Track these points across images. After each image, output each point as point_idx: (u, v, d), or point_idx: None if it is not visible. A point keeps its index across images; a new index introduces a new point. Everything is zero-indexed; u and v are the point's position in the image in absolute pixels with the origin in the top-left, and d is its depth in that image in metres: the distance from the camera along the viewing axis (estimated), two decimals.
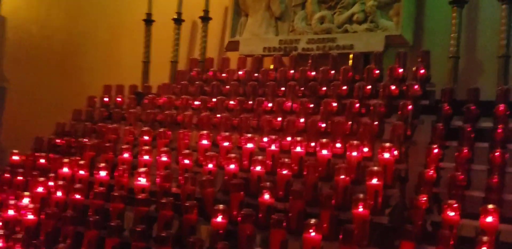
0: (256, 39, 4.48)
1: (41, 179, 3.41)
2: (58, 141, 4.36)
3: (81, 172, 3.45)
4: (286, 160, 2.94)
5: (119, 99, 4.72)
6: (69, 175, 3.51)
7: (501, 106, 3.16)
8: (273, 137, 3.18)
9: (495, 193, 2.68)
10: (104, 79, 5.55)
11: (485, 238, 2.35)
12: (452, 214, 2.55)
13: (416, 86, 3.33)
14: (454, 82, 3.63)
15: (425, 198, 2.68)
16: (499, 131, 3.04)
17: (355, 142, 2.93)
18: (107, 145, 3.67)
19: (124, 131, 3.93)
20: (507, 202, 2.70)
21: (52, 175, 3.62)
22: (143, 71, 5.15)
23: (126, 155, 3.51)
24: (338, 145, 3.12)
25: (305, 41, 4.23)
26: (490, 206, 2.50)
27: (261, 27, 4.50)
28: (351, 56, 3.89)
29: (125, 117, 4.36)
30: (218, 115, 3.74)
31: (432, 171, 2.90)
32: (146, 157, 3.43)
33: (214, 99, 3.99)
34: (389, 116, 3.31)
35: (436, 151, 3.01)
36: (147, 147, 3.47)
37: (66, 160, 3.56)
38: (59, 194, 3.28)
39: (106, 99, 4.77)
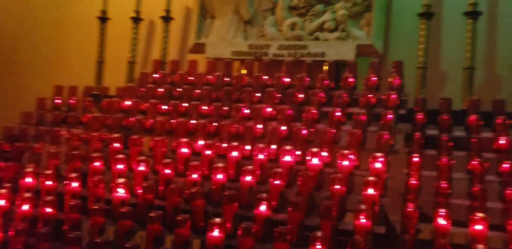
0: (224, 42, 4.39)
1: (3, 190, 3.09)
2: (6, 146, 4.01)
3: (48, 182, 3.17)
4: (279, 169, 2.89)
5: (73, 101, 4.42)
6: (33, 186, 3.22)
7: (473, 117, 3.34)
8: (261, 145, 3.12)
9: (480, 201, 2.81)
10: (48, 79, 5.22)
11: (480, 246, 2.45)
12: (444, 222, 2.64)
13: (394, 96, 3.42)
14: (470, 95, 3.72)
15: (411, 208, 2.76)
16: (474, 140, 3.20)
17: (345, 151, 2.95)
18: (74, 152, 3.41)
19: (89, 137, 3.67)
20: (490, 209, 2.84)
21: (7, 185, 3.31)
22: (96, 71, 4.88)
23: (97, 164, 3.28)
24: (325, 154, 3.12)
25: (276, 47, 4.21)
26: (480, 215, 2.61)
27: (229, 30, 4.41)
28: (325, 65, 3.89)
29: (83, 121, 4.11)
30: (193, 122, 3.62)
31: (415, 180, 3.00)
32: (120, 166, 3.23)
33: (184, 104, 3.86)
34: (368, 125, 3.38)
35: (417, 159, 3.11)
36: (121, 156, 3.26)
37: (29, 169, 3.25)
38: (25, 207, 2.99)
39: (58, 101, 4.45)
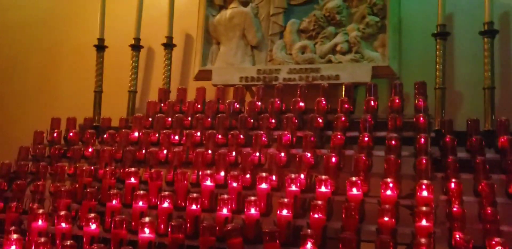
0: (231, 68, 4.23)
1: (14, 236, 2.79)
2: (5, 184, 3.72)
3: (63, 225, 2.89)
4: (319, 202, 2.70)
5: (72, 134, 4.16)
6: (45, 229, 2.93)
7: (503, 138, 3.24)
8: (293, 175, 2.93)
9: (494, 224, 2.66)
10: (42, 111, 4.96)
11: None
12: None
13: (422, 118, 3.31)
14: (492, 115, 3.62)
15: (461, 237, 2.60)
16: (509, 162, 3.09)
17: (388, 180, 2.79)
18: (88, 190, 3.14)
19: (102, 172, 3.42)
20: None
21: (12, 228, 3.01)
22: (95, 102, 4.62)
23: (115, 202, 3.03)
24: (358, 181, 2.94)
25: (286, 71, 4.07)
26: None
27: (236, 56, 4.26)
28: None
29: (86, 156, 3.87)
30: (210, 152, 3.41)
31: (457, 207, 2.84)
32: (141, 204, 2.98)
33: (198, 134, 3.66)
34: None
35: (455, 185, 2.97)
36: (141, 192, 3.02)
37: (40, 211, 2.96)
38: None
39: (56, 134, 4.19)
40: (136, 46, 4.63)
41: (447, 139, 3.29)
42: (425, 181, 2.74)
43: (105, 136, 4.04)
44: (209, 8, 4.43)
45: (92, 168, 3.54)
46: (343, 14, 4.04)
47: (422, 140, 3.14)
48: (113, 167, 3.43)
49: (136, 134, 3.83)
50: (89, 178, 3.39)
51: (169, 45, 4.57)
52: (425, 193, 2.70)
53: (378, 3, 3.96)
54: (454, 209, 2.82)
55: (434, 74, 3.81)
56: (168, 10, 4.61)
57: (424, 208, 2.54)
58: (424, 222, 2.50)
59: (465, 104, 3.97)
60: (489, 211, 2.75)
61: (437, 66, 3.81)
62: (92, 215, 2.87)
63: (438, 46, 3.83)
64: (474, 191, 3.00)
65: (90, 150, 3.93)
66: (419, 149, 3.10)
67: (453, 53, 4.02)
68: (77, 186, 3.37)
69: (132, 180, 3.20)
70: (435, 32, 3.85)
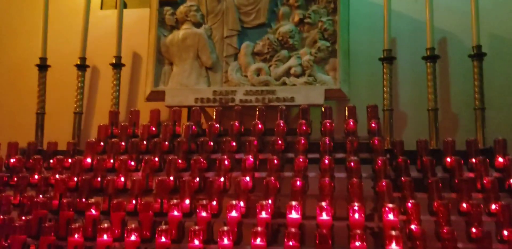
0: (186, 89, 4.20)
1: None
2: None
3: None
4: (292, 229, 2.74)
5: (14, 160, 3.92)
6: None
7: (451, 158, 3.48)
8: (264, 202, 2.96)
9: (481, 243, 2.87)
10: None
11: None
12: None
13: (378, 140, 3.47)
14: (436, 135, 3.87)
15: None
16: (457, 181, 3.31)
17: (356, 204, 2.89)
18: (46, 224, 2.97)
19: (57, 203, 3.24)
20: None
21: None
22: (37, 124, 4.40)
23: (77, 236, 2.88)
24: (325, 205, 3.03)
25: (243, 93, 4.11)
26: None
27: (190, 77, 4.24)
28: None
29: (33, 183, 3.66)
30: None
31: (417, 226, 3.00)
32: (105, 237, 2.87)
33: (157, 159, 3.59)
34: None
35: (411, 205, 3.11)
36: (105, 225, 2.91)
37: None
38: None
39: None
40: (82, 66, 4.46)
41: (400, 160, 3.47)
42: (390, 205, 2.87)
43: (51, 161, 3.86)
44: (160, 28, 4.37)
45: (43, 197, 3.34)
46: (296, 38, 4.16)
47: (380, 162, 3.28)
48: (69, 198, 3.25)
49: (89, 160, 3.68)
50: (44, 210, 3.18)
51: (117, 65, 4.45)
52: (391, 216, 2.83)
53: (329, 28, 4.12)
54: (414, 229, 2.97)
55: (381, 96, 4.03)
56: (116, 29, 4.50)
57: (393, 232, 2.65)
58: (394, 246, 2.62)
59: (409, 124, 4.21)
60: (445, 230, 2.93)
61: (385, 89, 4.03)
62: None
63: (384, 70, 4.05)
64: (429, 210, 3.19)
65: (36, 177, 3.73)
66: (378, 170, 3.25)
67: (397, 76, 4.26)
68: (30, 218, 3.17)
69: (93, 211, 3.07)
70: (382, 56, 4.07)
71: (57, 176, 3.53)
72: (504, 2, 4.25)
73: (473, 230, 2.97)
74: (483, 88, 3.88)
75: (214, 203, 3.13)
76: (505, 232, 2.94)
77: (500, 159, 3.49)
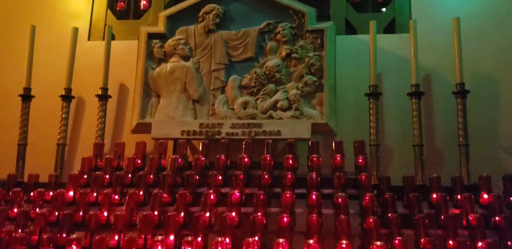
0: (172, 122, 4.18)
1: None
2: None
3: None
4: None
5: None
6: None
7: (437, 195, 3.49)
8: (250, 239, 2.90)
9: None
10: None
11: None
12: None
13: (364, 176, 3.47)
14: (422, 170, 3.90)
15: None
16: (444, 218, 3.31)
17: (344, 242, 2.86)
18: None
19: (37, 239, 3.14)
20: None
21: None
22: (18, 155, 4.30)
23: None
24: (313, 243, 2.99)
25: (229, 126, 4.11)
26: None
27: (177, 109, 4.23)
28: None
29: (13, 217, 3.55)
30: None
31: None
32: None
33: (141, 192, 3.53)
34: None
35: (398, 242, 3.08)
36: None
37: None
38: None
39: None
40: (67, 97, 4.42)
41: (387, 196, 3.47)
42: (377, 243, 2.84)
43: (32, 194, 3.77)
44: (148, 60, 4.39)
45: (22, 232, 3.24)
46: (283, 73, 4.21)
47: (367, 198, 3.27)
48: (49, 233, 3.16)
49: (71, 193, 3.60)
50: (23, 246, 3.08)
51: (104, 97, 4.42)
52: None
53: (315, 63, 4.18)
54: None
55: (368, 131, 4.06)
56: (104, 60, 4.50)
57: None
58: None
59: (395, 159, 4.23)
60: None
61: (371, 124, 4.07)
62: None
63: (371, 105, 4.10)
64: (416, 247, 3.17)
65: (15, 210, 3.62)
66: (366, 207, 3.24)
67: (383, 111, 4.31)
68: None
69: (74, 247, 2.99)
70: (368, 92, 4.12)
71: (37, 210, 3.42)
72: (487, 41, 4.37)
73: None
74: (467, 125, 3.94)
75: (199, 239, 3.06)
76: None
77: (485, 196, 3.52)
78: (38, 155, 4.38)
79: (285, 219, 3.10)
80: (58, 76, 4.55)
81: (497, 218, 3.31)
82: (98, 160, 3.99)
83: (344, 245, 2.87)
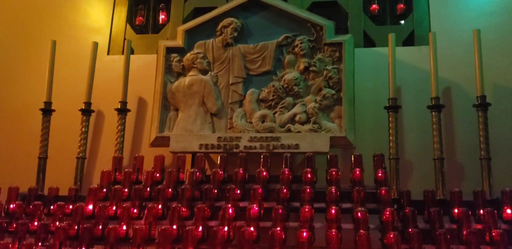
0: (191, 135, 4.19)
1: None
2: None
3: None
4: None
5: (14, 206, 3.85)
6: None
7: (459, 210, 3.41)
8: None
9: None
10: None
11: None
12: None
13: (384, 191, 3.43)
14: (443, 184, 3.87)
15: None
16: (465, 233, 3.24)
17: None
18: None
19: None
20: None
21: None
22: (39, 169, 4.35)
23: None
24: None
25: (247, 139, 4.10)
26: None
27: (195, 123, 4.25)
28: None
29: (32, 230, 3.57)
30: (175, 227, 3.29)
31: None
32: None
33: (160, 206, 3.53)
34: None
35: None
36: None
37: None
38: None
39: None
40: (87, 111, 4.48)
41: (407, 210, 3.41)
42: None
43: (52, 207, 3.80)
44: (167, 74, 4.43)
45: (42, 246, 3.26)
46: (301, 86, 4.20)
47: (388, 213, 3.23)
48: (69, 246, 3.17)
49: (91, 206, 3.62)
50: None
51: (123, 110, 4.47)
52: None
53: (334, 76, 4.17)
54: None
55: (387, 144, 4.03)
56: (123, 74, 4.55)
57: None
58: None
59: (415, 173, 4.18)
60: None
61: (390, 137, 4.03)
62: None
63: (390, 118, 4.06)
64: None
65: (36, 223, 3.64)
66: (386, 222, 3.19)
67: (403, 124, 4.27)
68: None
69: None
70: (387, 105, 4.09)
71: (57, 223, 3.44)
72: (508, 53, 4.32)
73: None
74: (488, 138, 3.88)
75: None
76: None
77: (509, 211, 3.44)
78: (58, 169, 4.43)
79: (304, 234, 3.07)
80: (78, 90, 4.62)
81: None
82: (117, 174, 4.00)
83: None
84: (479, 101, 3.96)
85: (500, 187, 3.61)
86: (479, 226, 3.35)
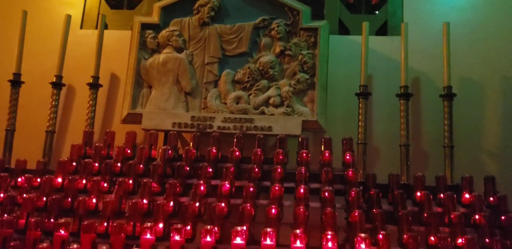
0: (164, 113, 4.19)
1: None
2: None
3: None
4: None
5: None
6: None
7: (421, 193, 3.58)
8: (239, 228, 2.94)
9: None
10: None
11: None
12: None
13: (351, 173, 3.54)
14: (407, 170, 4.01)
15: None
16: (426, 215, 3.40)
17: (329, 233, 2.92)
18: (12, 244, 2.85)
19: (24, 222, 3.12)
20: None
21: None
22: (6, 141, 4.26)
23: None
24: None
25: (221, 120, 4.14)
26: None
27: (168, 101, 4.24)
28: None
29: (1, 203, 3.52)
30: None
31: None
32: None
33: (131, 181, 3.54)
34: None
35: (382, 237, 3.15)
36: (75, 246, 2.82)
37: None
38: None
39: None
40: (57, 84, 4.40)
41: (372, 192, 3.55)
42: (362, 235, 2.91)
43: (19, 180, 3.74)
44: (141, 50, 4.40)
45: (10, 217, 3.21)
46: (276, 69, 4.26)
47: (353, 193, 3.35)
48: (37, 217, 3.14)
49: (60, 179, 3.59)
50: (9, 229, 3.05)
51: (94, 85, 4.42)
52: (363, 246, 2.87)
53: (308, 61, 4.25)
54: None
55: (356, 129, 4.14)
56: (96, 49, 4.49)
57: None
58: None
59: (382, 158, 4.32)
60: None
61: (360, 123, 4.15)
62: None
63: (360, 105, 4.18)
64: (399, 242, 3.24)
65: (1, 195, 3.59)
66: (352, 201, 3.31)
67: (372, 111, 4.39)
68: None
69: (62, 232, 2.98)
70: (358, 91, 4.20)
71: (24, 195, 3.40)
72: (476, 47, 4.49)
73: None
74: (452, 127, 4.05)
75: (188, 227, 3.09)
76: None
77: (467, 195, 3.62)
78: (26, 142, 4.36)
79: (273, 211, 3.15)
80: (49, 64, 4.53)
81: (477, 217, 3.40)
82: (87, 148, 3.97)
83: (329, 236, 2.92)
84: (446, 92, 4.11)
85: (461, 174, 3.78)
86: (439, 209, 3.51)
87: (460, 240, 3.21)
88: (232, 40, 4.38)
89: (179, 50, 4.38)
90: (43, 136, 4.28)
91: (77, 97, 4.64)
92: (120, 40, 4.67)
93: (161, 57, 4.35)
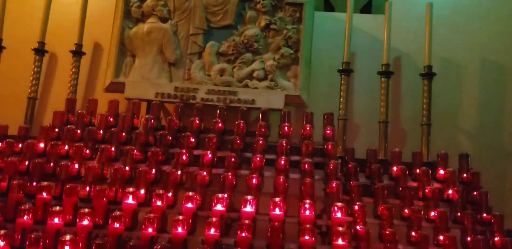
0: (147, 83, 4.19)
1: None
2: None
3: None
4: (246, 221, 2.81)
5: None
6: None
7: (397, 167, 3.69)
8: (220, 195, 3.01)
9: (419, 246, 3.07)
10: None
11: None
12: None
13: (330, 146, 3.63)
14: (385, 146, 4.11)
15: None
16: (401, 189, 3.53)
17: (307, 201, 3.00)
18: None
19: (6, 185, 3.13)
20: None
21: None
22: None
23: (26, 218, 2.80)
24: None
25: (205, 92, 4.16)
26: None
27: (152, 71, 4.24)
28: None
29: None
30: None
31: (362, 227, 3.15)
32: (56, 221, 2.80)
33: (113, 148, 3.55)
34: None
35: (357, 208, 3.26)
36: (57, 208, 2.84)
37: None
38: None
39: None
40: (40, 51, 4.34)
41: (350, 166, 3.64)
42: (338, 204, 3.01)
43: (0, 144, 3.72)
44: (125, 19, 4.35)
45: None
46: (261, 43, 4.28)
47: (332, 165, 3.43)
48: (19, 180, 3.14)
49: (42, 144, 3.58)
50: None
51: (78, 53, 4.37)
52: (339, 214, 2.98)
53: (293, 36, 4.27)
54: (359, 230, 3.12)
55: (337, 105, 4.21)
56: (80, 16, 4.43)
57: (340, 228, 2.79)
58: (340, 241, 2.76)
59: (361, 134, 4.41)
60: (388, 232, 3.10)
61: (341, 99, 4.22)
62: (1, 231, 2.62)
63: (342, 81, 4.25)
64: (374, 214, 3.36)
65: None
66: (330, 173, 3.40)
67: (354, 88, 4.46)
68: None
69: (44, 195, 3.00)
70: (340, 68, 4.26)
71: (7, 158, 3.39)
72: (457, 29, 4.57)
73: (413, 233, 3.18)
74: (430, 106, 4.16)
75: (170, 194, 3.14)
76: (441, 237, 3.16)
77: (441, 171, 3.74)
78: (7, 108, 4.31)
79: (254, 180, 3.22)
80: (32, 30, 4.45)
81: (450, 192, 3.53)
82: (70, 115, 3.95)
83: (307, 205, 3.01)
84: (426, 71, 4.20)
85: (437, 151, 3.89)
86: (414, 184, 3.63)
87: (433, 213, 3.34)
88: (217, 12, 4.36)
89: (164, 20, 4.35)
90: (25, 102, 4.24)
91: (60, 64, 4.59)
92: (104, 9, 4.61)
93: (145, 26, 4.32)
